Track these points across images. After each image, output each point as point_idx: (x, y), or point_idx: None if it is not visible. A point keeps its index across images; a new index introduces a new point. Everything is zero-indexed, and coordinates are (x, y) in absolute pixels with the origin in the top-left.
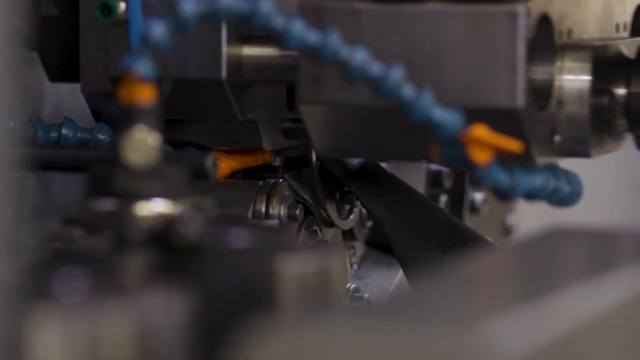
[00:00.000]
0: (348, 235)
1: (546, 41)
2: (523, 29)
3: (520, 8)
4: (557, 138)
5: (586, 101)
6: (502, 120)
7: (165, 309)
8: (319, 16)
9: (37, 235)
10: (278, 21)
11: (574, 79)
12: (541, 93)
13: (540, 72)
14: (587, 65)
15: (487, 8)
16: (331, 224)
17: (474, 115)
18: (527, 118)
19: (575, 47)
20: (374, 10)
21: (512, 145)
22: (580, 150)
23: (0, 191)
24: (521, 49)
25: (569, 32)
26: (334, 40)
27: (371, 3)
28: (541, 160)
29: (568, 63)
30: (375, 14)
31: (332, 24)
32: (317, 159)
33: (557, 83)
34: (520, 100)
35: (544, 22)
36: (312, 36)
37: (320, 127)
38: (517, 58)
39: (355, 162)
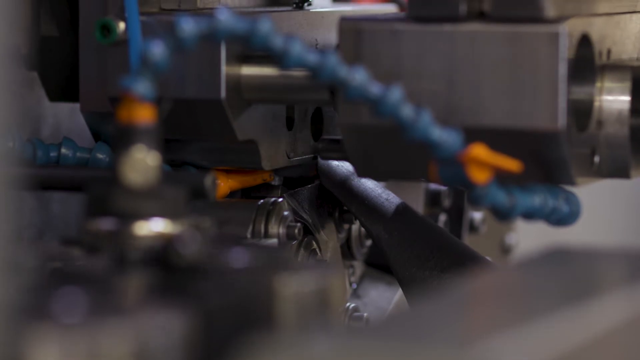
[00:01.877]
0: (347, 254)
1: (586, 61)
2: (565, 49)
3: (562, 28)
4: (597, 159)
5: (626, 122)
6: (543, 141)
7: (164, 329)
8: (358, 37)
9: (36, 255)
10: (277, 41)
11: (613, 99)
12: (581, 114)
13: (580, 93)
14: (627, 86)
15: (528, 28)
16: (330, 244)
17: (514, 136)
18: (567, 139)
19: (615, 68)
20: (414, 31)
21: (511, 164)
22: (620, 171)
23: None
24: (562, 69)
25: (609, 52)
26: (333, 60)
27: (411, 23)
28: (581, 181)
29: (608, 83)
30: (415, 34)
31: (372, 45)
32: (316, 178)
33: (596, 104)
34: (562, 121)
35: (585, 42)
36: (310, 56)
37: (360, 149)
38: (559, 79)
39: (354, 180)
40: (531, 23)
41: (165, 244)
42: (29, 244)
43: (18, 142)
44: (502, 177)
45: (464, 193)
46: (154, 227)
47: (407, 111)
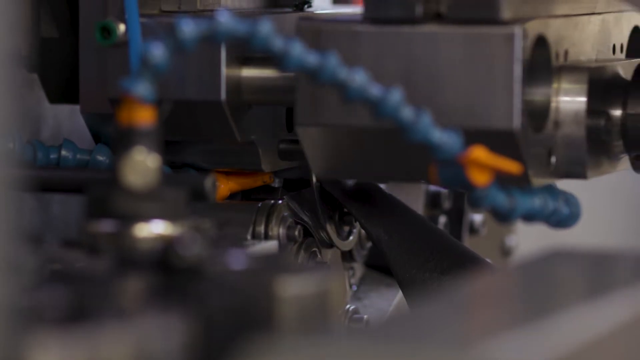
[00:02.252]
0: (347, 256)
1: (543, 63)
2: (520, 50)
3: (517, 30)
4: (553, 159)
5: (583, 122)
6: (499, 141)
7: (164, 331)
8: (318, 38)
9: (36, 257)
10: (277, 43)
11: (570, 100)
12: (538, 114)
13: (536, 94)
14: (584, 87)
15: (485, 30)
16: (330, 245)
17: (471, 136)
18: (523, 139)
19: (572, 69)
20: (372, 32)
21: (511, 166)
22: (576, 171)
23: None
24: (518, 70)
25: (566, 53)
26: (333, 61)
27: (369, 25)
28: (537, 181)
29: (565, 84)
30: (373, 35)
31: (331, 46)
32: (317, 180)
33: (553, 104)
34: (517, 121)
35: (541, 43)
36: (311, 58)
37: (317, 149)
38: (514, 79)
39: (350, 182)
40: (487, 24)
41: (166, 245)
42: (29, 246)
43: (18, 144)
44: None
45: (464, 195)
46: (154, 228)
47: (407, 113)
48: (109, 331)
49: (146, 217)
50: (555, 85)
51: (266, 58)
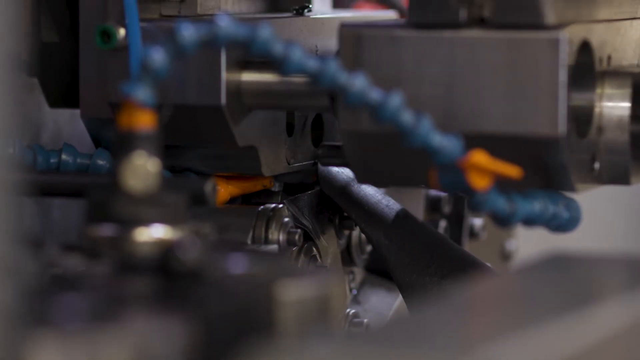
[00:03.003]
0: (347, 260)
1: (586, 68)
2: (565, 55)
3: (562, 35)
4: (597, 165)
5: (626, 128)
6: (544, 148)
7: (164, 335)
8: (359, 43)
9: (37, 261)
10: (277, 47)
11: (614, 105)
12: (581, 120)
13: (580, 99)
14: (627, 92)
15: (528, 35)
16: (330, 250)
17: (514, 143)
18: (567, 145)
19: (615, 74)
20: (414, 37)
21: (511, 171)
22: (620, 177)
23: None
24: (563, 76)
25: (609, 58)
26: (333, 66)
27: (411, 29)
28: (581, 187)
29: (608, 90)
30: (415, 40)
31: (371, 51)
32: (317, 184)
33: (597, 110)
34: (562, 127)
35: (584, 48)
36: (310, 62)
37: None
38: (559, 85)
39: (355, 186)
40: (531, 29)
41: (166, 250)
42: (30, 250)
43: (18, 148)
44: (502, 184)
45: (464, 199)
46: (154, 233)
47: (407, 117)
48: (109, 335)
49: (146, 222)
50: (598, 90)
51: (266, 62)
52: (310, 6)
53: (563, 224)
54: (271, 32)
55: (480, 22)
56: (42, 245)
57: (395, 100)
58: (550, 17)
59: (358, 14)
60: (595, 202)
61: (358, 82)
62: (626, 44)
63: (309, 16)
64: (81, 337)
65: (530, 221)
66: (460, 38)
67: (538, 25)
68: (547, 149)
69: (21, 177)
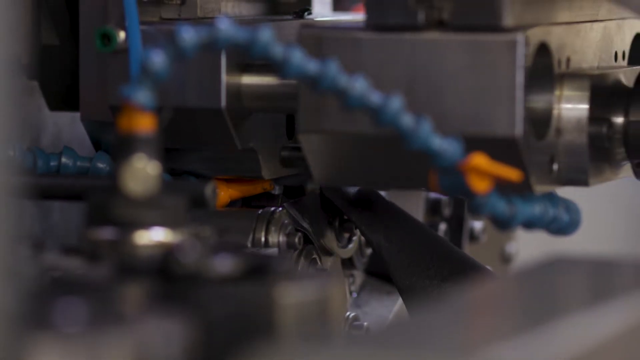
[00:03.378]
0: (347, 263)
1: (545, 70)
2: (522, 57)
3: (519, 37)
4: (555, 167)
5: (585, 130)
6: (501, 148)
7: (164, 338)
8: (319, 45)
9: (37, 264)
10: (277, 50)
11: (572, 107)
12: (540, 122)
13: (539, 101)
14: (586, 94)
15: (487, 37)
16: (330, 253)
17: (473, 143)
18: (525, 146)
19: (574, 76)
20: (374, 39)
21: (511, 174)
22: (578, 178)
23: (0, 220)
24: (520, 77)
25: (568, 61)
26: (333, 69)
27: (371, 32)
28: (539, 188)
29: (567, 92)
30: (375, 42)
31: (332, 53)
32: (317, 187)
33: (555, 112)
34: (519, 129)
35: (543, 51)
36: (311, 65)
37: (319, 156)
38: (516, 87)
39: (353, 190)
40: (489, 32)
41: (166, 253)
42: (30, 253)
43: (18, 151)
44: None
45: (464, 202)
46: (155, 236)
47: (407, 120)
48: (109, 338)
49: (146, 225)
50: (557, 92)
51: (266, 65)
52: (310, 9)
53: (563, 227)
54: (271, 35)
55: (439, 25)
56: (42, 247)
57: (395, 103)
58: (508, 19)
59: (358, 17)
60: (595, 204)
61: (358, 85)
62: (586, 46)
63: (309, 19)
64: (81, 340)
65: (530, 224)
66: (420, 40)
67: (496, 27)
68: (505, 150)
69: (21, 179)
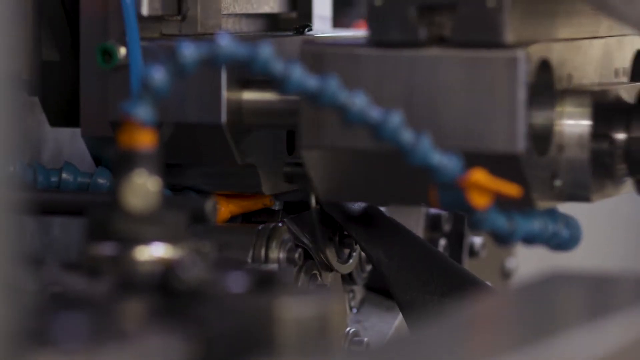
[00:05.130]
0: (347, 279)
1: (546, 86)
2: (523, 74)
3: (520, 54)
4: (557, 182)
5: (586, 146)
6: (502, 165)
7: (165, 354)
8: (320, 61)
9: (37, 280)
10: (277, 66)
11: (574, 123)
12: (541, 138)
13: (540, 117)
14: (587, 110)
15: (487, 54)
16: (330, 268)
17: (474, 160)
18: (527, 163)
19: (575, 92)
20: (374, 56)
21: (511, 190)
22: (580, 194)
23: (0, 235)
24: (521, 94)
25: (569, 77)
26: (333, 85)
27: (371, 48)
28: (541, 204)
29: (568, 108)
30: (375, 59)
31: (333, 69)
32: (317, 202)
33: (557, 128)
34: (521, 145)
35: (544, 67)
36: (311, 81)
37: (320, 171)
38: (518, 103)
39: (355, 206)
40: (490, 48)
41: (166, 268)
42: (30, 268)
43: (19, 167)
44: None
45: (464, 218)
46: (155, 251)
47: (407, 136)
48: (109, 353)
49: (147, 240)
50: (558, 108)
51: (267, 81)
52: (311, 25)
53: (563, 243)
54: (271, 51)
55: (440, 41)
56: (43, 263)
57: (395, 119)
58: (509, 36)
59: (358, 33)
60: (595, 220)
61: (358, 101)
62: (587, 62)
63: (309, 35)
64: (81, 356)
65: (530, 239)
66: (420, 57)
67: (497, 44)
68: (507, 166)
69: (22, 195)
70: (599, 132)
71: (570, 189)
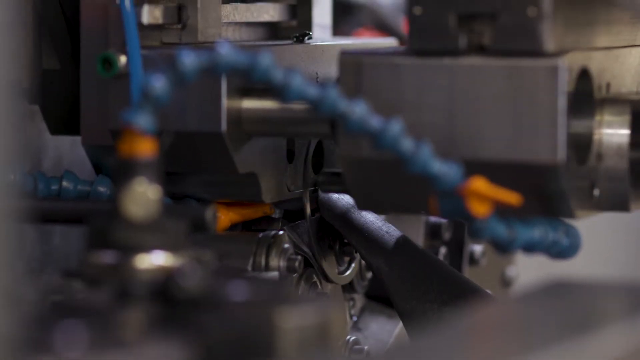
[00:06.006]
0: (348, 287)
1: (586, 95)
2: (564, 83)
3: (561, 62)
4: (596, 192)
5: (625, 155)
6: (543, 174)
7: None
8: (359, 71)
9: (37, 288)
10: (277, 75)
11: (613, 132)
12: (581, 147)
13: (579, 126)
14: (627, 119)
15: (528, 62)
16: (328, 279)
17: (513, 169)
18: (566, 172)
19: (614, 101)
20: (414, 65)
21: (511, 198)
22: (619, 204)
23: (0, 244)
24: (562, 103)
25: (608, 85)
26: (333, 93)
27: (411, 57)
28: (580, 214)
29: (607, 117)
30: (415, 68)
31: (372, 79)
32: (312, 212)
33: (596, 137)
34: (562, 154)
35: (584, 76)
36: (311, 89)
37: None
38: (558, 112)
39: (354, 213)
40: (531, 57)
41: (166, 276)
42: (30, 277)
43: (19, 175)
44: (503, 210)
45: (464, 226)
46: (155, 260)
47: (406, 144)
48: None
49: (147, 248)
50: (598, 117)
51: (267, 90)
52: (311, 33)
53: (563, 251)
54: (271, 59)
55: (480, 50)
56: (43, 272)
57: (395, 127)
58: (549, 44)
59: (358, 42)
60: (595, 228)
61: (358, 110)
62: (625, 71)
63: (309, 43)
64: None
65: (530, 248)
66: (460, 65)
67: (537, 52)
68: (546, 176)
69: (22, 204)
70: (638, 141)
71: (609, 198)
